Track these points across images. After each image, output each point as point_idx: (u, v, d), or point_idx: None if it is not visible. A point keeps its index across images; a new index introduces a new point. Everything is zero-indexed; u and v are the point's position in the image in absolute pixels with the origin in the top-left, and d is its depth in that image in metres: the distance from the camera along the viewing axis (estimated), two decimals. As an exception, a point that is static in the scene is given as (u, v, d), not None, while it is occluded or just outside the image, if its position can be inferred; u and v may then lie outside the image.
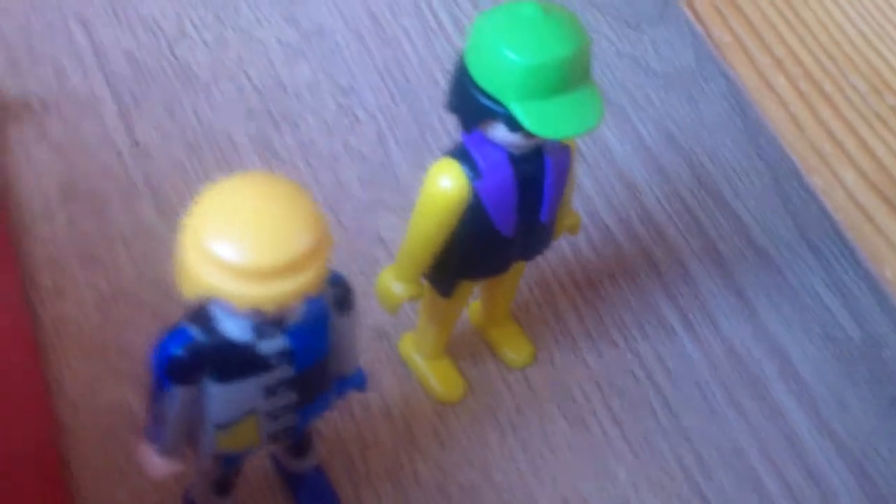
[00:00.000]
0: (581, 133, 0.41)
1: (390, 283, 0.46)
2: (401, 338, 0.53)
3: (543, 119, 0.40)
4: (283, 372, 0.38)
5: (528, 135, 0.41)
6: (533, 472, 0.51)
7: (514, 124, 0.41)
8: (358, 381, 0.43)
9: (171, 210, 0.56)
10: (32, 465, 0.46)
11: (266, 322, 0.37)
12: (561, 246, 0.58)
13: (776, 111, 0.49)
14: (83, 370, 0.51)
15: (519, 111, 0.40)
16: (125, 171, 0.57)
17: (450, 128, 0.62)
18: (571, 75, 0.40)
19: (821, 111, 0.47)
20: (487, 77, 0.41)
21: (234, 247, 0.33)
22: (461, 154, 0.44)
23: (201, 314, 0.37)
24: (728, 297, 0.58)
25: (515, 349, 0.54)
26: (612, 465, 0.52)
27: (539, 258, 0.57)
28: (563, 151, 0.45)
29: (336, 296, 0.39)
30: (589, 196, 0.61)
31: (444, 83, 0.64)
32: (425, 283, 0.47)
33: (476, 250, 0.45)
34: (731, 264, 0.60)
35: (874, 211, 0.45)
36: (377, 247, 0.57)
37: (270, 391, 0.38)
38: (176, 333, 0.37)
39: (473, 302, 0.54)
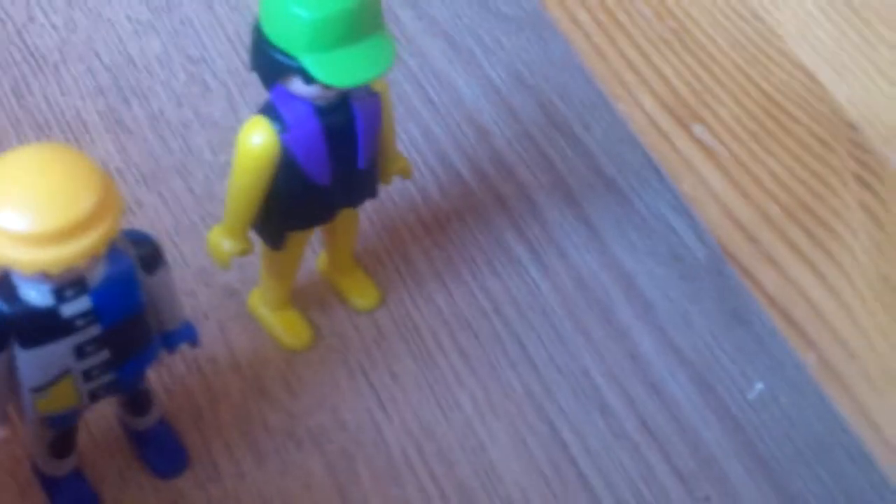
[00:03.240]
0: (368, 80, 0.43)
1: (219, 240, 0.48)
2: (250, 293, 0.55)
3: (332, 69, 0.42)
4: (90, 331, 0.40)
5: (325, 86, 0.43)
6: (381, 410, 0.53)
7: (308, 77, 0.43)
8: (187, 334, 0.45)
9: (23, 190, 0.58)
10: None
11: (66, 285, 0.38)
12: (409, 190, 0.60)
13: (583, 44, 0.50)
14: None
15: (309, 63, 0.42)
16: (-23, 156, 0.59)
17: (298, 87, 0.63)
18: (358, 26, 0.42)
19: (618, 40, 0.49)
20: (278, 33, 0.43)
21: (12, 214, 0.35)
22: (269, 110, 0.45)
23: (2, 283, 0.39)
24: (576, 227, 0.60)
25: (362, 294, 0.56)
26: (458, 396, 0.54)
27: (388, 203, 0.60)
28: (372, 98, 0.47)
29: (141, 255, 0.40)
30: (438, 140, 0.63)
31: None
32: (256, 237, 0.49)
33: (295, 202, 0.47)
34: (580, 196, 0.62)
35: (670, 131, 0.47)
36: (228, 209, 0.58)
37: (80, 351, 0.40)
38: (-23, 304, 0.39)
39: (321, 251, 0.56)
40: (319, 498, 0.50)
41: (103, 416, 0.50)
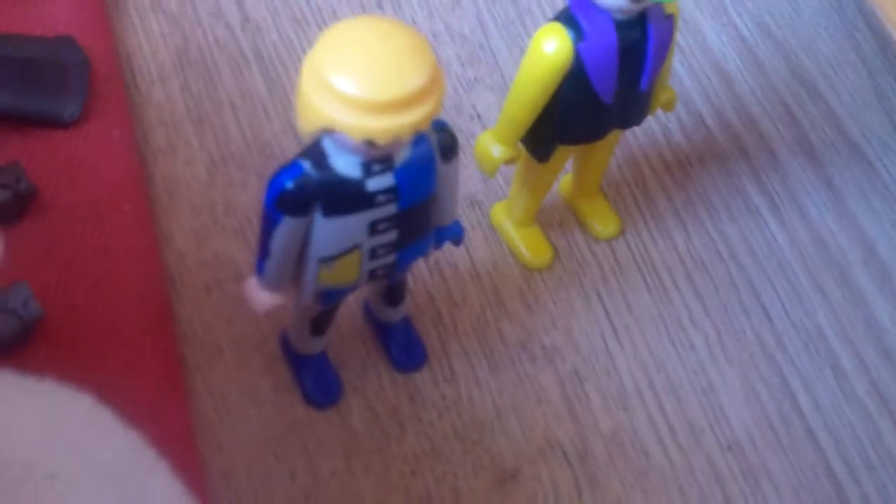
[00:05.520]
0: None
1: (489, 146, 0.48)
2: (492, 206, 0.55)
3: None
4: (388, 209, 0.40)
5: None
6: (614, 337, 0.53)
7: None
8: (455, 232, 0.45)
9: (277, 80, 0.59)
10: (143, 312, 0.50)
11: (375, 160, 0.39)
12: (652, 129, 0.60)
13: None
14: (190, 225, 0.54)
15: None
16: (235, 42, 0.60)
17: (547, 11, 0.63)
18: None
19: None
20: None
21: (354, 80, 0.36)
22: (566, 18, 0.45)
23: (314, 150, 0.39)
24: (817, 186, 0.59)
25: (603, 221, 0.55)
26: (691, 335, 0.53)
27: (630, 139, 0.59)
28: (667, 20, 0.46)
29: (441, 141, 0.41)
30: (683, 83, 0.62)
31: (543, -31, 0.65)
32: (522, 148, 0.49)
33: (575, 115, 0.47)
34: (822, 155, 0.60)
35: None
36: (474, 123, 0.59)
37: (374, 227, 0.41)
38: (289, 167, 0.39)
39: (564, 175, 0.56)
40: (550, 413, 0.50)
41: (347, 306, 0.51)
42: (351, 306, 0.51)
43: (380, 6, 0.62)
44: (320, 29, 0.61)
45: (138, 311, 0.49)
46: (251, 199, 0.55)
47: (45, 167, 0.51)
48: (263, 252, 0.42)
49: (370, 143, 0.37)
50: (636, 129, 0.59)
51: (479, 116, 0.59)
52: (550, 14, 0.63)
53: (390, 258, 0.42)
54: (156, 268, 0.51)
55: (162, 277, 0.51)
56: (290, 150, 0.56)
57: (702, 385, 0.52)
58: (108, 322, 0.48)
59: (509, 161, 0.49)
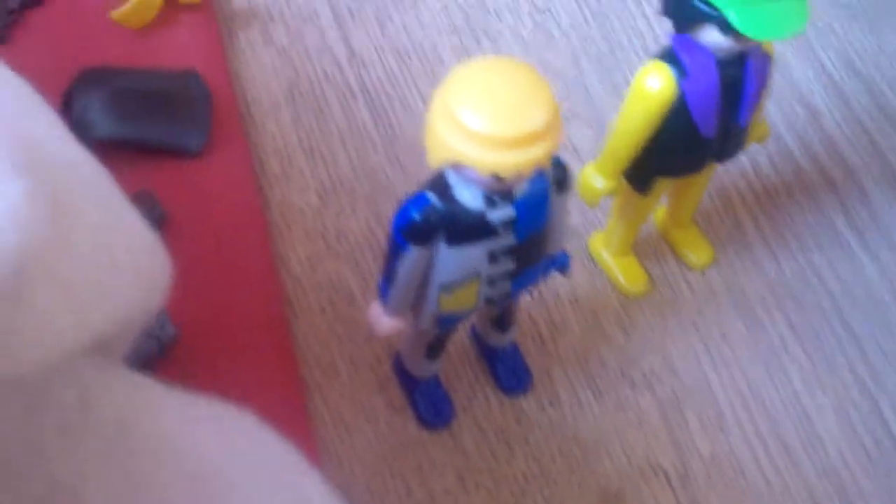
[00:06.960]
0: (789, 35, 0.44)
1: (592, 178, 0.51)
2: (590, 236, 0.57)
3: (755, 22, 0.44)
4: (507, 240, 0.43)
5: (738, 38, 0.45)
6: (711, 365, 0.55)
7: (726, 27, 0.45)
8: (562, 261, 0.48)
9: (382, 112, 0.62)
10: (266, 333, 0.52)
11: (496, 193, 0.42)
12: (741, 161, 0.62)
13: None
14: (305, 249, 0.57)
15: (733, 14, 0.44)
16: (342, 76, 0.63)
17: (637, 47, 0.65)
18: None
19: None
20: None
21: (484, 117, 0.38)
22: (669, 56, 0.47)
23: (439, 183, 0.42)
24: (904, 218, 0.61)
25: (696, 251, 0.57)
26: (785, 364, 0.55)
27: (720, 171, 0.61)
28: (764, 58, 0.48)
29: (556, 175, 0.43)
30: (770, 117, 0.64)
31: (632, 5, 0.67)
32: (622, 180, 0.52)
33: (676, 149, 0.49)
34: (909, 188, 0.62)
35: None
36: (571, 156, 0.61)
37: (493, 257, 0.43)
38: (416, 199, 0.42)
39: (659, 207, 0.58)
40: (650, 435, 0.52)
41: (458, 332, 0.53)
42: (459, 332, 0.54)
43: (477, 41, 0.65)
44: (422, 63, 0.64)
45: (262, 332, 0.52)
46: (361, 225, 0.58)
47: (174, 195, 0.54)
48: (388, 278, 0.44)
49: (496, 177, 0.39)
50: (727, 161, 0.61)
51: (575, 150, 0.61)
52: (641, 47, 0.65)
53: (506, 286, 0.45)
54: (276, 291, 0.53)
55: (281, 300, 0.54)
56: (396, 179, 0.59)
57: (796, 412, 0.54)
58: (234, 342, 0.51)
59: (611, 193, 0.51)
